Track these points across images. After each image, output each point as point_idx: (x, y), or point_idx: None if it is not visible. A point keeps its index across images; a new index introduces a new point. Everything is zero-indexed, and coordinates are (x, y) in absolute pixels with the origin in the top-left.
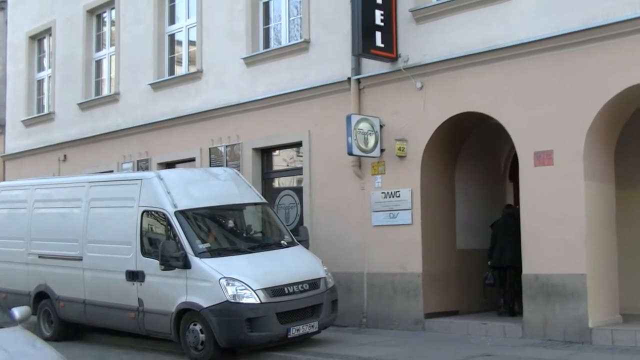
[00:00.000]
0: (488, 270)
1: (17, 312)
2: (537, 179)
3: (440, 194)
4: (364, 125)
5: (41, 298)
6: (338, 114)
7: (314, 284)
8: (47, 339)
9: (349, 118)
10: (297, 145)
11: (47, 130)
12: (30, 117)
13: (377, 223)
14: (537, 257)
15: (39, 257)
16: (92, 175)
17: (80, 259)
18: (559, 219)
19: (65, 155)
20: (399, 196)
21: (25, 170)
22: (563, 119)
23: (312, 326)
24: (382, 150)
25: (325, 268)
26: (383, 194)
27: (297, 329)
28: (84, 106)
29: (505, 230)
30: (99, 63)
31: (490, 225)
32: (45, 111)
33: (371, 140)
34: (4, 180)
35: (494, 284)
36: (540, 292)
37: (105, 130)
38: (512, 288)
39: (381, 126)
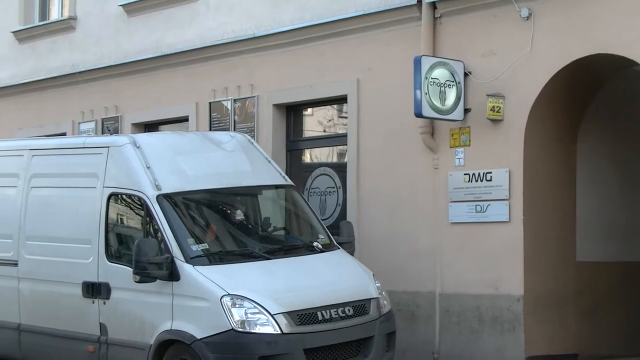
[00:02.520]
0: None
1: None
2: None
3: (553, 177)
4: (440, 73)
5: None
6: (401, 56)
7: (361, 307)
8: None
9: (418, 61)
10: (340, 101)
11: None
12: None
13: (457, 219)
14: None
15: None
16: (34, 139)
17: (15, 264)
18: None
19: None
20: (490, 179)
21: None
22: None
23: None
24: (466, 111)
25: (378, 284)
26: (466, 176)
27: None
28: (23, 36)
29: None
30: None
31: None
32: None
33: (451, 96)
34: None
35: None
36: None
37: (55, 73)
38: None
39: (466, 74)
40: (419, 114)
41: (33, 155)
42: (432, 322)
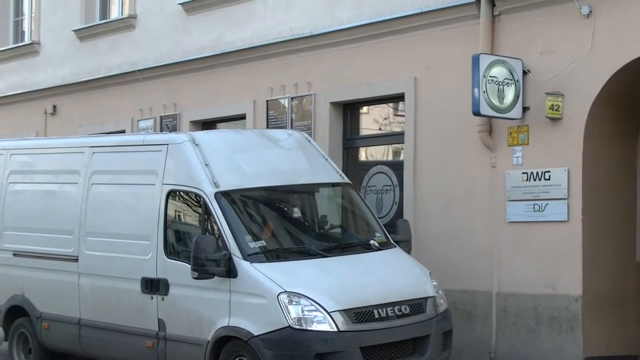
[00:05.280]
0: None
1: None
2: None
3: (612, 176)
4: (498, 71)
5: (15, 315)
6: (459, 54)
7: (417, 306)
8: None
9: (476, 60)
10: (397, 99)
11: (28, 69)
12: (4, 48)
13: (515, 218)
14: None
15: (14, 254)
16: (95, 137)
17: (76, 260)
18: None
19: (54, 107)
20: (548, 178)
21: None
22: None
23: None
24: (524, 109)
25: (434, 283)
26: (525, 175)
27: None
28: (83, 34)
29: None
30: None
31: None
32: (26, 40)
33: (509, 94)
34: None
35: None
36: None
37: (115, 71)
38: None
39: (525, 72)
40: (476, 113)
41: (93, 153)
42: (489, 321)
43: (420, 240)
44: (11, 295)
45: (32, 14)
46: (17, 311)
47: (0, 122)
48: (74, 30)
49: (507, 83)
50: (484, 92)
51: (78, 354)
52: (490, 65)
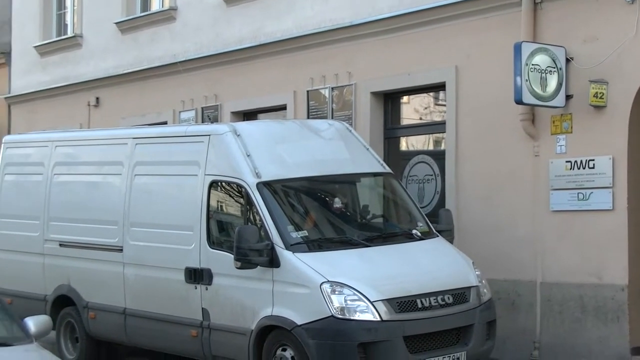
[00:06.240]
0: None
1: (33, 323)
2: None
3: None
4: (541, 59)
5: (62, 305)
6: (501, 42)
7: (461, 295)
8: None
9: (518, 48)
10: (438, 88)
11: (71, 62)
12: (47, 41)
13: (558, 207)
14: None
15: (60, 245)
16: (137, 128)
17: (120, 250)
18: None
19: (97, 99)
20: (593, 167)
21: (39, 118)
22: None
23: (458, 358)
24: (568, 97)
25: (477, 272)
26: (568, 164)
27: None
28: (125, 27)
29: None
30: None
31: None
32: (69, 33)
33: (552, 82)
34: (8, 132)
35: None
36: None
37: (156, 63)
38: None
39: (568, 60)
40: (519, 101)
41: (136, 144)
42: (533, 311)
43: (463, 229)
44: (58, 284)
45: (75, 7)
46: (64, 300)
47: (44, 115)
48: (116, 23)
49: (550, 71)
50: (526, 80)
51: (124, 343)
52: (533, 53)
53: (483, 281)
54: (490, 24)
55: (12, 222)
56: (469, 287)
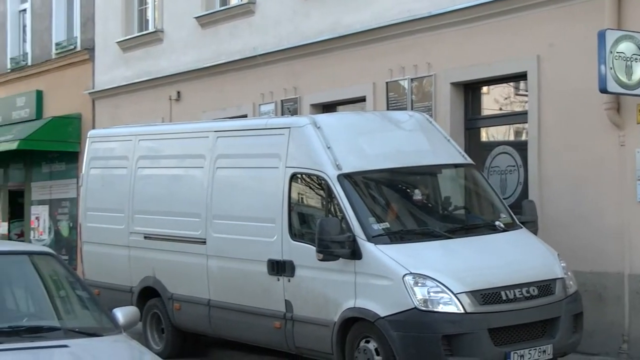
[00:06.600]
0: None
1: (121, 315)
2: None
3: None
4: (626, 47)
5: (148, 296)
6: (584, 30)
7: (546, 287)
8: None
9: (602, 35)
10: (519, 77)
11: (152, 57)
12: (129, 37)
13: None
14: None
15: (145, 237)
16: (218, 121)
17: (203, 242)
18: None
19: (179, 93)
20: None
21: (123, 113)
22: None
23: (544, 351)
24: None
25: (563, 264)
26: None
27: (521, 355)
28: (205, 21)
29: None
30: None
31: None
32: (150, 29)
33: (637, 70)
34: (93, 127)
35: None
36: None
37: (236, 57)
38: None
39: None
40: (603, 90)
41: (218, 137)
42: (621, 303)
43: (547, 221)
44: (143, 276)
45: (155, 3)
46: (150, 292)
47: (127, 109)
48: (196, 17)
49: (635, 59)
50: (611, 68)
51: (209, 334)
52: (617, 41)
53: (569, 273)
54: (573, 11)
55: (98, 215)
56: (555, 279)
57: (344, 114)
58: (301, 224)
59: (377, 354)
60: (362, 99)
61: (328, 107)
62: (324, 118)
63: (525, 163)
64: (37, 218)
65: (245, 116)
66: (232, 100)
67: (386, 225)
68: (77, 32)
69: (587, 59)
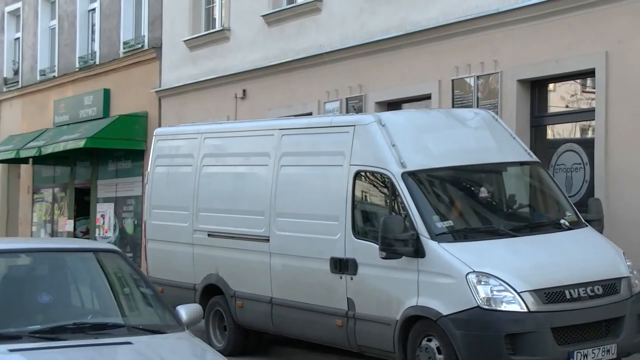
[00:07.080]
0: None
1: (185, 312)
2: None
3: None
4: None
5: (211, 294)
6: None
7: (611, 286)
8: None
9: None
10: (586, 74)
11: (219, 55)
12: (196, 35)
13: None
14: None
15: (209, 235)
16: (283, 119)
17: (267, 240)
18: None
19: (244, 91)
20: None
21: (189, 111)
22: None
23: (608, 351)
24: None
25: (629, 263)
26: None
27: (585, 354)
28: (271, 19)
29: None
30: None
31: None
32: (217, 27)
33: None
34: (159, 125)
35: None
36: None
37: (302, 55)
38: None
39: None
40: None
41: (283, 135)
42: None
43: (613, 219)
44: (207, 274)
45: (222, 1)
46: (213, 290)
47: (193, 107)
48: (262, 16)
49: None
50: None
51: (271, 332)
52: None
53: (635, 272)
54: None
55: (163, 213)
56: (620, 278)
57: (409, 111)
58: (364, 221)
59: (439, 353)
60: (428, 97)
61: (393, 105)
62: (388, 116)
63: (591, 161)
64: (102, 216)
65: (310, 114)
66: (297, 98)
67: (450, 223)
68: (144, 31)
69: None
